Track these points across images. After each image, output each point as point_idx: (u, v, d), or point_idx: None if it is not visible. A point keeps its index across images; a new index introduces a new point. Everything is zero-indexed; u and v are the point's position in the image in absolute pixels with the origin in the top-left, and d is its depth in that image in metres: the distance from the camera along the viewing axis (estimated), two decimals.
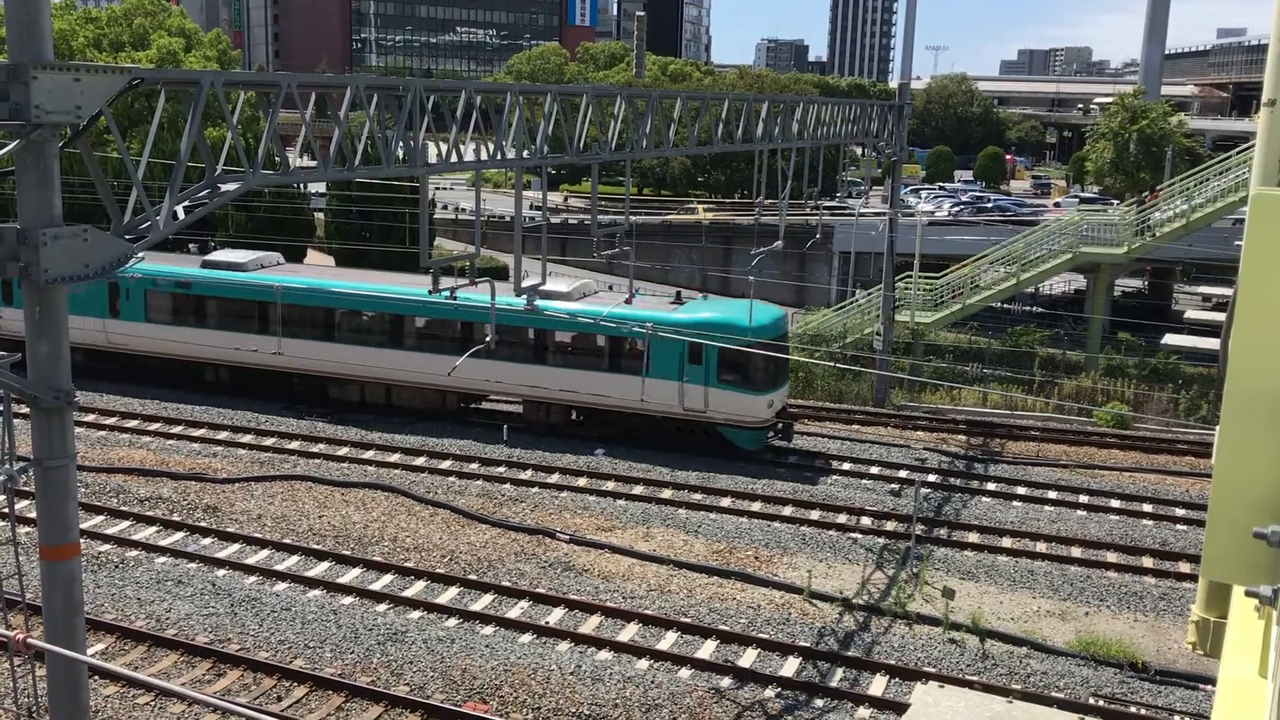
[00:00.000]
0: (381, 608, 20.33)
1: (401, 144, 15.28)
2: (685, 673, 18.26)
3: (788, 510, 25.64)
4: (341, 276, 34.52)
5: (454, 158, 16.34)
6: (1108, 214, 44.94)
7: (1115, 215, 43.92)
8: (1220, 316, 26.43)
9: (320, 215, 53.23)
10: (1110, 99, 74.61)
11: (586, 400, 30.03)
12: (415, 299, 30.43)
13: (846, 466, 29.00)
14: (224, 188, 11.86)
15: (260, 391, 33.39)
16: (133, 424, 30.94)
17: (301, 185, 48.81)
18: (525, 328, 29.38)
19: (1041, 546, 23.91)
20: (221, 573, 21.63)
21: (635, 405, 29.19)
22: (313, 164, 13.93)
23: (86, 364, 33.56)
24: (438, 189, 76.37)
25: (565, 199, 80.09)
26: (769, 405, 28.90)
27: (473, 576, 21.65)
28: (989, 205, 78.17)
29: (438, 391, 31.36)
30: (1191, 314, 39.57)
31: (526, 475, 27.57)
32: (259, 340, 32.56)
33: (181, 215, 11.34)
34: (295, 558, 22.47)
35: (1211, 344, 25.61)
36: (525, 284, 19.60)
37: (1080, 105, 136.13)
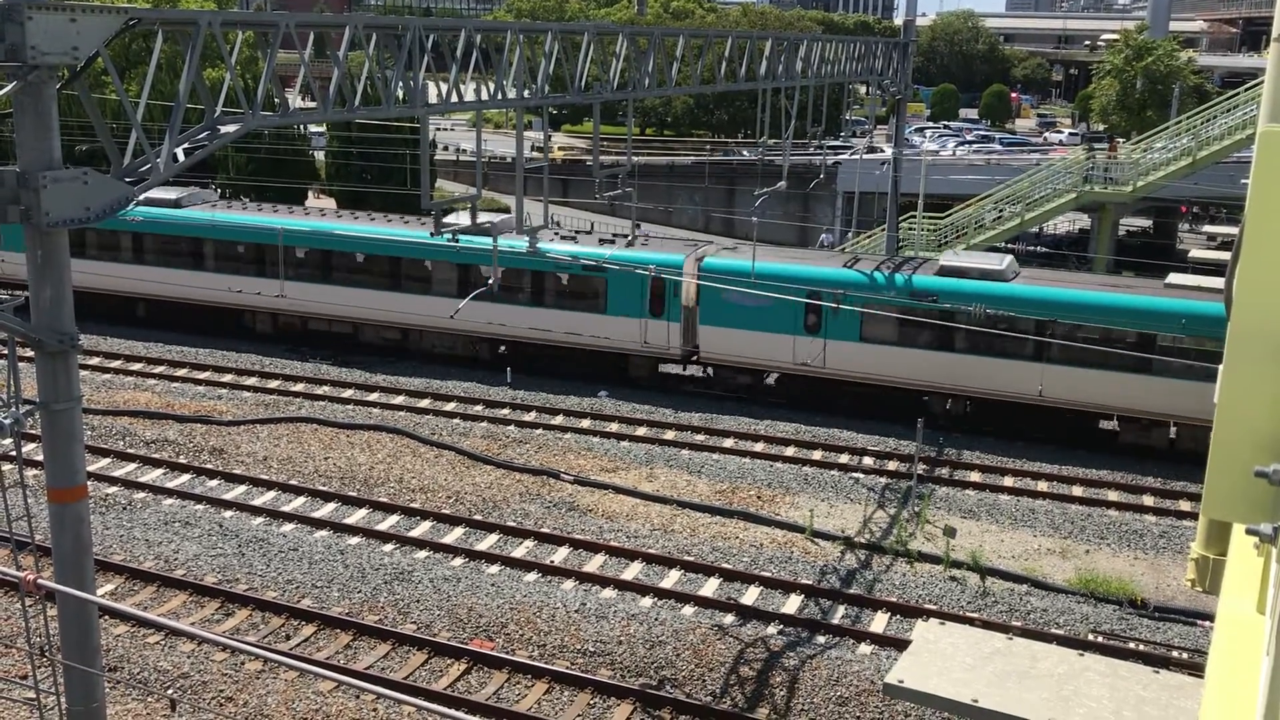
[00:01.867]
0: (388, 548, 20.54)
1: (401, 84, 15.14)
2: (688, 610, 18.49)
3: (790, 451, 25.76)
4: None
5: (454, 98, 16.19)
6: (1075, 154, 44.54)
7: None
8: (1225, 256, 26.27)
9: (320, 156, 52.94)
10: (1116, 36, 73.58)
11: None
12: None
13: None
14: (224, 129, 11.78)
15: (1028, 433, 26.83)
16: (137, 367, 31.03)
17: (301, 126, 48.48)
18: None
19: (1043, 485, 24.06)
20: (228, 514, 21.83)
21: None
22: (312, 105, 13.83)
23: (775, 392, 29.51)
24: (438, 130, 75.71)
25: (548, 136, 79.00)
26: None
27: (478, 517, 21.85)
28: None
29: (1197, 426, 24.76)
30: (1196, 253, 39.42)
31: (530, 417, 27.68)
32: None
33: (182, 157, 11.28)
34: (302, 499, 22.66)
35: (1216, 283, 25.45)
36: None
37: (1087, 42, 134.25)
